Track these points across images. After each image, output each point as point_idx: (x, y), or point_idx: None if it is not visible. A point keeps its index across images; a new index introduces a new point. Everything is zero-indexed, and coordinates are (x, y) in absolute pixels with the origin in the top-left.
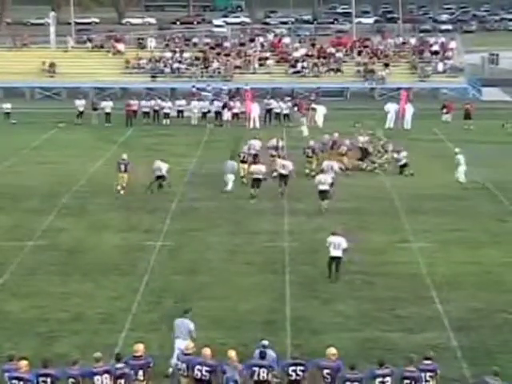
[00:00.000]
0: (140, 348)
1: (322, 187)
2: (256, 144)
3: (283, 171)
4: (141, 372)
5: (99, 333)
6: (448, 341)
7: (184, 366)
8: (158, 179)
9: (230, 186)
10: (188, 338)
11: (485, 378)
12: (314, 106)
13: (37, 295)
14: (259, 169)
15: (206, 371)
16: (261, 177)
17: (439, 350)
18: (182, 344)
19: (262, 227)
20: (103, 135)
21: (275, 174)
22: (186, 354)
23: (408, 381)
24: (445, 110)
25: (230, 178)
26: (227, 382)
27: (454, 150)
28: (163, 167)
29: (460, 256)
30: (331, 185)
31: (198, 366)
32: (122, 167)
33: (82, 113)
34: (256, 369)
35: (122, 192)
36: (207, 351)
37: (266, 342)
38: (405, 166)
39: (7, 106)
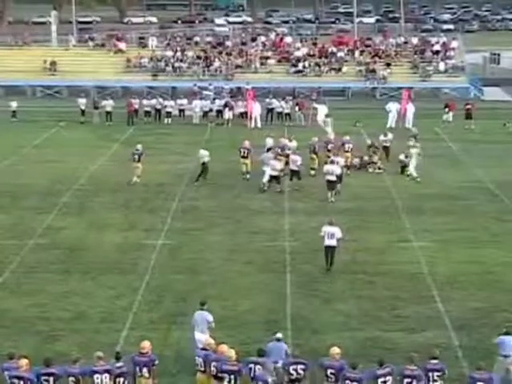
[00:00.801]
0: (146, 345)
1: (329, 177)
2: (270, 142)
3: (294, 167)
4: (145, 369)
5: (100, 331)
6: (449, 340)
7: (201, 360)
8: (203, 166)
9: (265, 179)
10: (207, 330)
11: (471, 374)
12: (315, 105)
13: (37, 294)
14: (273, 165)
15: None
16: (275, 173)
17: (440, 350)
18: (201, 336)
19: (263, 226)
20: (104, 134)
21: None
22: (203, 349)
23: (409, 379)
24: (447, 110)
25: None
26: (257, 381)
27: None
28: (206, 154)
29: (461, 255)
30: (339, 177)
31: (213, 363)
32: (136, 157)
33: (83, 111)
34: (252, 366)
35: (138, 180)
36: (223, 348)
37: (279, 335)
38: (406, 166)
39: (14, 104)
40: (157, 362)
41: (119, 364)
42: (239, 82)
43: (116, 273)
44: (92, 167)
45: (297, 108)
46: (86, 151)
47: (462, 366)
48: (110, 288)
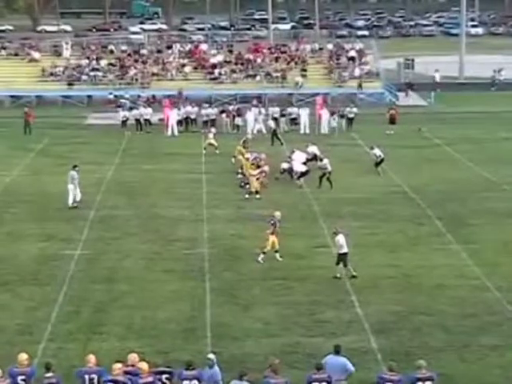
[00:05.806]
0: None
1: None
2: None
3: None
4: None
5: (17, 344)
6: (368, 344)
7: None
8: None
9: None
10: None
11: (380, 374)
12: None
13: None
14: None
15: None
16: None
17: (360, 354)
18: None
19: (181, 234)
20: (17, 144)
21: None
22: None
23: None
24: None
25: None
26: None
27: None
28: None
29: (378, 259)
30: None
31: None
32: None
33: None
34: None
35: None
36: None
37: (211, 356)
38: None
39: None
40: None
41: (49, 374)
42: (156, 90)
43: (33, 284)
44: (7, 178)
45: (224, 115)
46: (0, 161)
47: (381, 370)
48: (27, 300)
